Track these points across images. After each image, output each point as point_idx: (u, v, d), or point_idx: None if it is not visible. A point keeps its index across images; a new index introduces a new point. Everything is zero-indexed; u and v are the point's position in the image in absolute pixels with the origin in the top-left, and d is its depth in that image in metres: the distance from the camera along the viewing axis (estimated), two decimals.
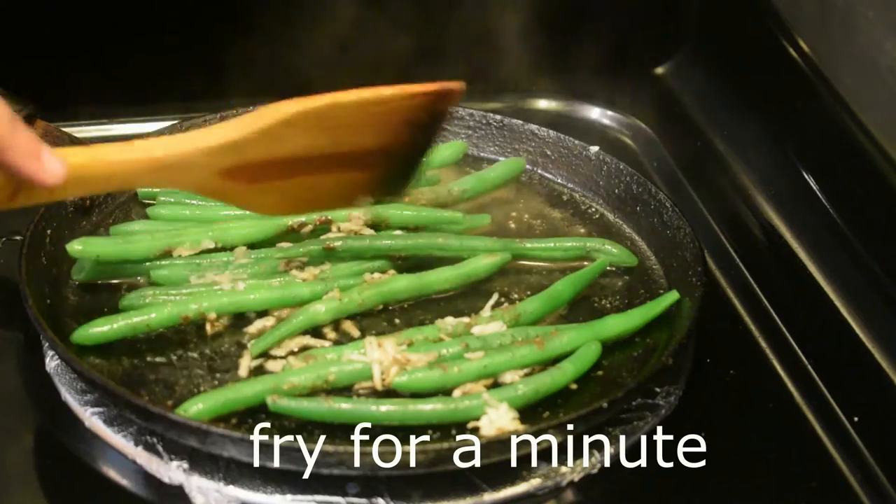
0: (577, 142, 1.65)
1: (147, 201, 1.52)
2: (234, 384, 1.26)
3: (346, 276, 1.41)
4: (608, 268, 1.49)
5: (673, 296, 1.41)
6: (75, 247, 1.36)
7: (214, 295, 1.35)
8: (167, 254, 1.41)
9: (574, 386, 1.31)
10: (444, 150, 1.65)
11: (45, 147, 1.04)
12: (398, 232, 1.47)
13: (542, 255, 1.49)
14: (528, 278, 1.47)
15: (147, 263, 1.40)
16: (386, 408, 1.24)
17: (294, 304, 1.36)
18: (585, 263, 1.48)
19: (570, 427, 1.22)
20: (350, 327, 1.36)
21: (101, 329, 1.31)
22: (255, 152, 1.19)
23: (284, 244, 1.44)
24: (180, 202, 1.50)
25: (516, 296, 1.44)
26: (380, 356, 1.28)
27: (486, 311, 1.38)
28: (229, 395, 1.24)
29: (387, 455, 1.17)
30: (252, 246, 1.43)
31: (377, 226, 1.48)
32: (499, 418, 1.24)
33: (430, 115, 1.26)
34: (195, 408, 1.22)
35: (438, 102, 1.25)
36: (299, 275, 1.39)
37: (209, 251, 1.42)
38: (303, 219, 1.44)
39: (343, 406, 1.24)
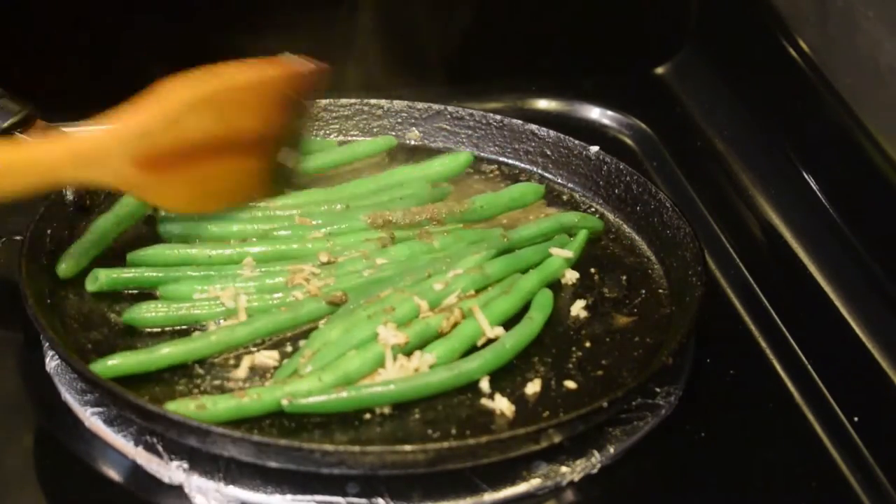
0: (577, 142, 1.65)
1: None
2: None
3: (353, 288, 1.40)
4: (607, 261, 1.51)
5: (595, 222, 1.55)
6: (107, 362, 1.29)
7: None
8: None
9: (574, 386, 1.32)
10: (451, 162, 1.64)
11: None
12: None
13: (526, 243, 1.50)
14: None
15: (157, 275, 1.40)
16: (397, 386, 1.25)
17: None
18: None
19: (569, 427, 1.22)
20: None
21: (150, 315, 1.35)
22: (160, 138, 1.29)
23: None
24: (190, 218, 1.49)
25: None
26: (395, 340, 1.30)
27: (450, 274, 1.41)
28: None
29: (387, 455, 1.17)
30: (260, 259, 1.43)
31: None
32: (496, 404, 1.27)
33: (300, 95, 1.44)
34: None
35: (307, 82, 1.43)
36: (306, 285, 1.39)
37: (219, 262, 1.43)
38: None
39: (358, 393, 1.25)
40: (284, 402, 1.23)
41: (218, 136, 1.36)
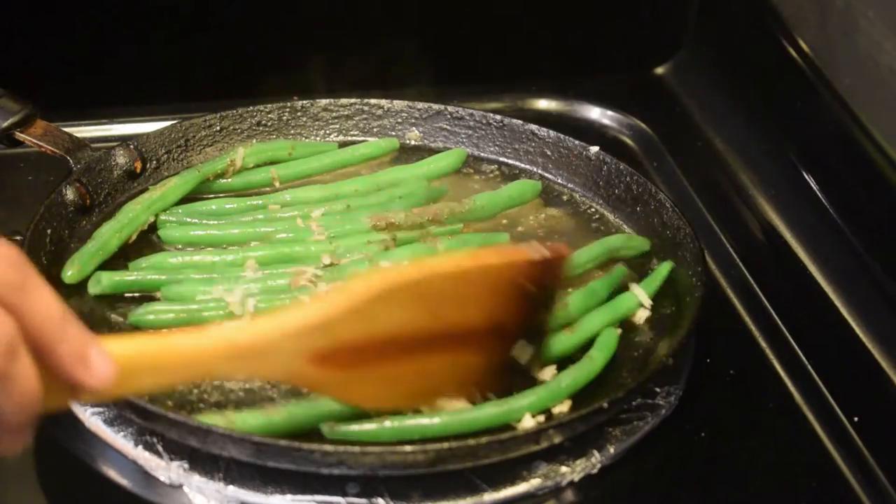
0: (577, 142, 1.65)
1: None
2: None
3: None
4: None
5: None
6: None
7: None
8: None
9: None
10: (445, 159, 1.64)
11: (93, 347, 0.91)
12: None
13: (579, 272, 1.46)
14: None
15: (160, 278, 1.40)
16: (443, 420, 1.22)
17: None
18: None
19: (569, 427, 1.22)
20: None
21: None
22: (346, 332, 1.09)
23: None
24: (191, 222, 1.50)
25: None
26: None
27: None
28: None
29: (387, 455, 1.17)
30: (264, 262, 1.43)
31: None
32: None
33: (538, 284, 1.20)
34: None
35: (545, 270, 1.20)
36: (313, 288, 1.38)
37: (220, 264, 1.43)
38: None
39: (404, 425, 1.21)
40: (325, 428, 1.21)
41: (419, 329, 1.14)
